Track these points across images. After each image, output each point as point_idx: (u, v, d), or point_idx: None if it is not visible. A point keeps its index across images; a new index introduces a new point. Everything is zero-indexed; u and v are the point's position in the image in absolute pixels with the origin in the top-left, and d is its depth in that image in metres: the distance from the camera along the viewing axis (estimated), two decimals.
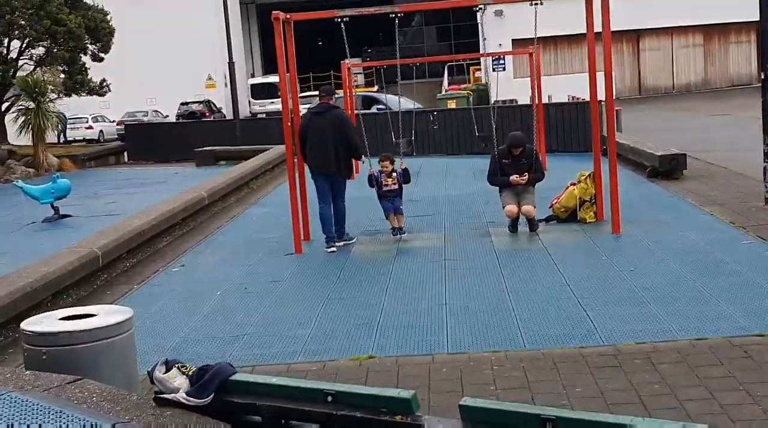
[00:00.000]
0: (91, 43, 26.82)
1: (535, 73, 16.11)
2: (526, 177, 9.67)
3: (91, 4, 26.98)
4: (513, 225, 9.82)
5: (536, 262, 8.31)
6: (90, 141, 39.60)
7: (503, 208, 9.75)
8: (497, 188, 10.06)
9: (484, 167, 17.12)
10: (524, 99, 26.63)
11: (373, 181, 9.80)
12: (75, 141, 39.61)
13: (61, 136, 36.98)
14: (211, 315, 7.16)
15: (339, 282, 8.07)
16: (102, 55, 27.56)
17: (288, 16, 9.35)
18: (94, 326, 3.88)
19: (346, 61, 16.98)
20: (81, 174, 23.17)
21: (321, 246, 9.82)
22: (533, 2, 9.38)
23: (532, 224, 9.77)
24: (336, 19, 9.34)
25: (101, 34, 26.59)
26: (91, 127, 40.28)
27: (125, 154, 27.09)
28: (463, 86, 37.58)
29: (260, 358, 5.87)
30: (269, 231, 11.23)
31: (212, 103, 44.24)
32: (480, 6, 9.41)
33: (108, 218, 13.45)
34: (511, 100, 32.86)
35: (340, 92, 38.94)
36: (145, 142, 26.32)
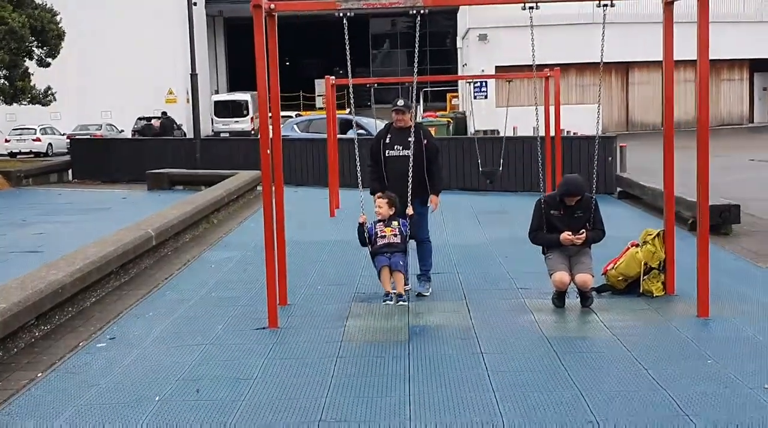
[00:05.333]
0: (37, 46, 23.93)
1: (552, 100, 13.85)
2: (583, 235, 7.26)
3: (39, 2, 24.05)
4: (560, 298, 7.39)
5: (614, 364, 5.86)
6: (38, 154, 36.66)
7: (550, 275, 7.31)
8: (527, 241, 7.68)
9: (485, 208, 15.09)
10: (507, 129, 24.47)
11: (365, 235, 7.41)
12: (21, 153, 36.71)
13: None
14: None
15: (334, 386, 5.53)
16: (49, 60, 24.65)
17: (273, 5, 6.87)
18: None
19: (330, 78, 14.51)
20: (14, 193, 20.30)
21: (303, 315, 7.37)
22: (601, 2, 7.12)
23: (586, 298, 7.36)
24: (337, 14, 6.94)
25: (49, 36, 23.66)
26: (38, 140, 37.35)
27: (70, 171, 24.15)
28: (439, 113, 35.42)
29: None
30: (233, 286, 8.67)
31: (172, 118, 41.46)
32: (530, 5, 7.05)
33: (29, 256, 10.83)
34: (493, 130, 30.66)
35: (310, 114, 36.42)
36: (93, 159, 23.45)
